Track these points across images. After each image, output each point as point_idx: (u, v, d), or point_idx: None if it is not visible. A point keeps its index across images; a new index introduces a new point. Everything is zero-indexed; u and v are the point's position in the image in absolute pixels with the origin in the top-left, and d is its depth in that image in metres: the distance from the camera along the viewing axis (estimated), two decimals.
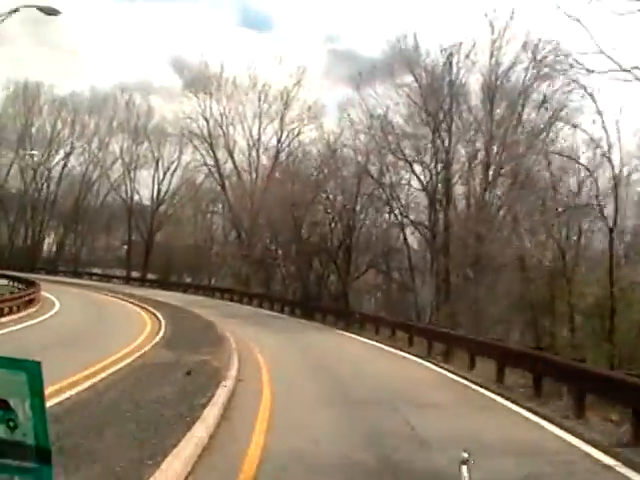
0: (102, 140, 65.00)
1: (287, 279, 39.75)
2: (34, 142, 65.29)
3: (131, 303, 32.07)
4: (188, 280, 54.80)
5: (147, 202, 62.98)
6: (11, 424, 1.46)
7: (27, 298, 25.85)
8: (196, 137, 54.66)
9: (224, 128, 53.98)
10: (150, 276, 57.62)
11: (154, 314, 25.76)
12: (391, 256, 36.47)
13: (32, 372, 1.44)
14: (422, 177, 33.41)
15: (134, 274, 58.97)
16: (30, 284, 31.40)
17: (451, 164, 31.95)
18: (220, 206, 56.47)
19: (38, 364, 1.47)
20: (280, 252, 40.06)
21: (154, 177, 62.08)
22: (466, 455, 2.00)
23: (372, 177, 34.02)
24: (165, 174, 61.81)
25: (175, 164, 61.26)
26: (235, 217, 50.05)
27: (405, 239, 35.01)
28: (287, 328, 26.20)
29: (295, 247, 37.24)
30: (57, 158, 66.24)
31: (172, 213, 61.63)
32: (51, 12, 18.44)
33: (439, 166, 32.28)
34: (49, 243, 67.84)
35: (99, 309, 28.09)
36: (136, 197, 63.74)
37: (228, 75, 53.41)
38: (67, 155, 66.25)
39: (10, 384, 1.43)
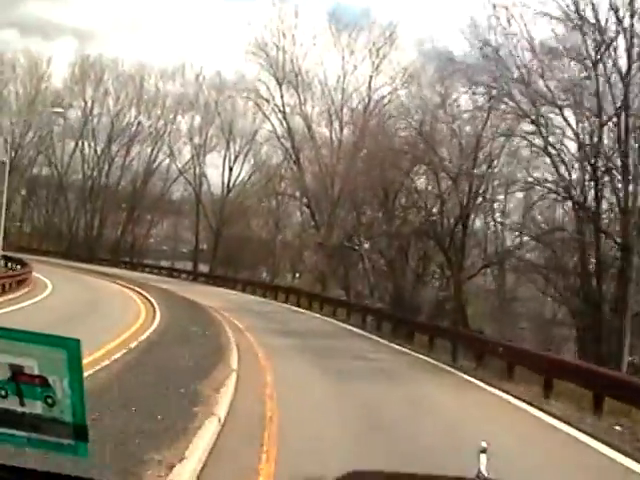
0: (168, 120, 57.65)
1: (372, 276, 29.55)
2: (97, 123, 59.46)
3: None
4: (247, 275, 46.12)
5: (217, 189, 55.18)
6: (49, 401, 1.47)
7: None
8: (267, 103, 46.02)
9: (300, 93, 44.84)
10: (218, 270, 49.76)
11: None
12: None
13: (72, 349, 1.43)
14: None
15: (202, 268, 51.54)
16: None
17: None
18: (293, 190, 47.50)
19: (78, 342, 1.43)
20: (363, 239, 29.63)
21: (225, 159, 53.94)
22: (485, 444, 1.81)
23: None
24: (237, 157, 53.63)
25: (247, 147, 53.08)
26: (311, 197, 40.77)
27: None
28: (384, 373, 13.53)
29: (385, 230, 27.12)
30: (120, 142, 59.64)
31: (242, 200, 53.22)
32: None
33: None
34: (111, 233, 61.20)
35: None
36: (205, 183, 56.08)
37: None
38: (131, 139, 59.40)
39: (50, 361, 1.44)
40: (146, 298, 24.72)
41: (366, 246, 29.77)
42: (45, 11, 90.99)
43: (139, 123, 59.20)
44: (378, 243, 28.98)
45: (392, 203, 26.56)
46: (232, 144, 53.64)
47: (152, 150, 58.82)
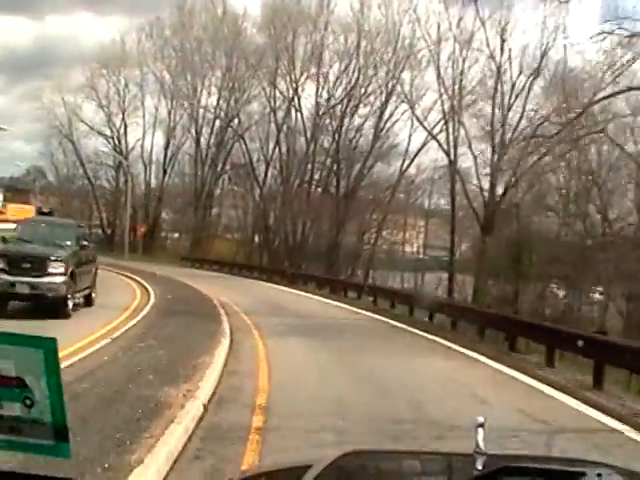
0: None
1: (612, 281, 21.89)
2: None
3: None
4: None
5: None
6: (27, 402, 1.46)
7: None
8: None
9: None
10: None
11: None
12: None
13: (48, 349, 1.43)
14: None
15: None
16: None
17: None
18: None
19: (54, 340, 1.43)
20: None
21: None
22: (482, 419, 1.82)
23: None
24: None
25: None
26: None
27: None
28: None
29: None
30: None
31: None
32: None
33: None
34: None
35: None
36: None
37: None
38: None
39: (26, 361, 1.43)
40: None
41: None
42: None
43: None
44: None
45: None
46: None
47: None
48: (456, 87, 40.04)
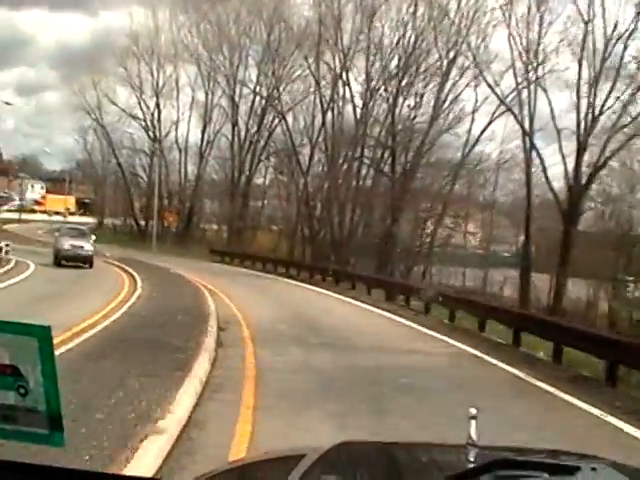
0: None
1: None
2: None
3: None
4: None
5: None
6: (22, 391, 1.46)
7: None
8: None
9: None
10: None
11: None
12: None
13: (42, 337, 1.42)
14: None
15: None
16: None
17: None
18: None
19: (48, 329, 1.42)
20: None
21: None
22: (474, 411, 1.85)
23: None
24: None
25: None
26: None
27: None
28: None
29: None
30: None
31: None
32: None
33: None
34: None
35: None
36: None
37: None
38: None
39: (20, 350, 1.43)
40: None
41: None
42: None
43: None
44: None
45: None
46: None
47: None
48: (532, 49, 33.66)
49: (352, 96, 40.36)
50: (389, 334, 14.63)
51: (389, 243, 31.96)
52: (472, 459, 1.70)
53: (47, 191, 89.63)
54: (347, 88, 41.11)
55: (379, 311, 18.78)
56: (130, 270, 24.16)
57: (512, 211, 43.33)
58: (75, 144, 61.69)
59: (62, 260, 25.49)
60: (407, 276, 31.98)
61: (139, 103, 54.52)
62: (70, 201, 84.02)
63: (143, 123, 54.77)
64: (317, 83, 42.00)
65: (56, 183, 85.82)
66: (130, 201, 56.52)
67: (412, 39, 38.20)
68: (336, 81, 41.51)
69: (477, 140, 36.40)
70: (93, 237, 28.24)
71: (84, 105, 55.16)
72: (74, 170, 77.74)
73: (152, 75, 54.27)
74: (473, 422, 1.78)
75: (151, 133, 54.77)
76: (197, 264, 31.97)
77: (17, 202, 79.23)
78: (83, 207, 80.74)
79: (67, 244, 25.76)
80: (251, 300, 17.88)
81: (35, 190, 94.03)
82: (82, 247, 25.67)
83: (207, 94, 52.26)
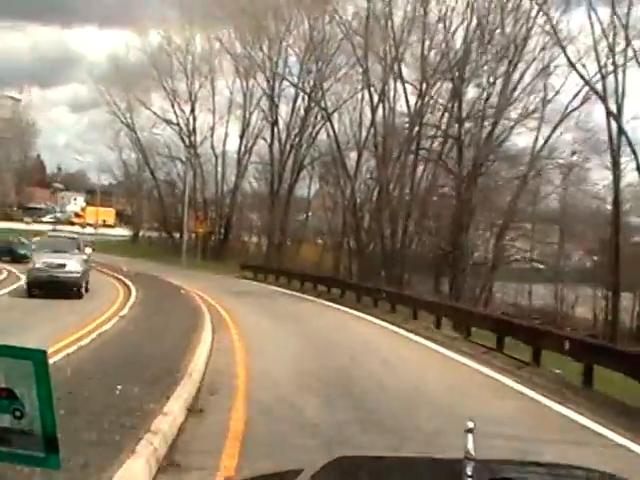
0: None
1: None
2: None
3: None
4: None
5: None
6: (17, 413, 1.46)
7: None
8: None
9: None
10: None
11: None
12: None
13: (38, 360, 1.43)
14: None
15: None
16: None
17: None
18: None
19: (44, 352, 1.44)
20: None
21: None
22: (471, 424, 1.82)
23: None
24: None
25: None
26: None
27: None
28: None
29: None
30: None
31: None
32: None
33: None
34: None
35: None
36: None
37: None
38: None
39: (16, 373, 1.43)
40: None
41: None
42: None
43: None
44: None
45: None
46: None
47: None
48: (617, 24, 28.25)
49: (405, 87, 35.13)
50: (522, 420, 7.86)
51: (455, 256, 26.15)
52: (469, 473, 1.69)
53: (88, 203, 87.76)
54: (399, 81, 35.91)
55: (459, 357, 12.25)
56: (132, 289, 19.53)
57: (562, 220, 37.32)
58: (117, 157, 57.80)
59: (34, 287, 17.64)
60: (479, 299, 26.12)
61: (172, 106, 50.51)
62: (110, 213, 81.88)
63: (177, 128, 50.75)
64: (365, 72, 36.74)
65: (101, 196, 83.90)
66: (163, 212, 52.39)
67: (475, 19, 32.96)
68: (387, 72, 36.35)
69: (555, 127, 30.43)
70: (88, 250, 20.30)
71: (115, 111, 51.74)
72: (117, 183, 75.02)
73: (187, 76, 50.33)
74: (470, 435, 1.72)
75: (186, 139, 50.77)
76: (223, 281, 27.21)
77: (56, 214, 77.50)
78: (122, 219, 78.26)
79: (40, 262, 17.75)
80: (270, 339, 12.69)
81: (78, 203, 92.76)
82: (63, 266, 17.48)
83: (245, 95, 47.98)
